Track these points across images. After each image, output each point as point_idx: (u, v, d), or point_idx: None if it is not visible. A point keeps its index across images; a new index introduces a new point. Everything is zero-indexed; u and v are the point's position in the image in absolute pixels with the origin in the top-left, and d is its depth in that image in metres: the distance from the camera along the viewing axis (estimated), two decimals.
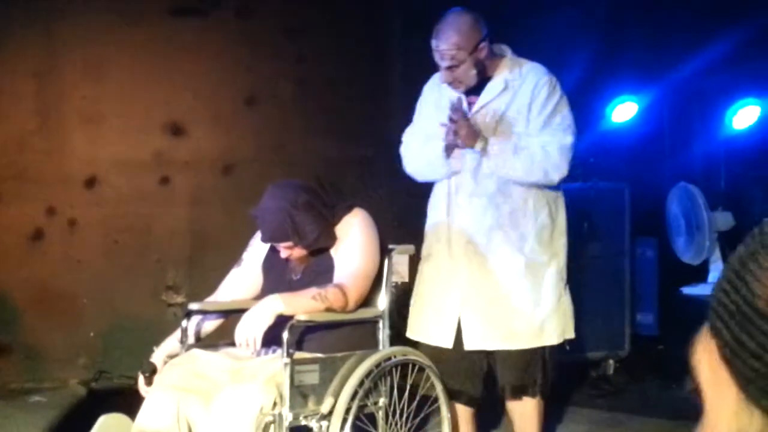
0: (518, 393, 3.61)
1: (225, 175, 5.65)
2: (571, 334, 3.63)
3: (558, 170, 3.46)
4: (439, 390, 3.36)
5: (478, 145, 3.42)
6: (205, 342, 3.29)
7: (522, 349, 3.53)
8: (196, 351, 3.14)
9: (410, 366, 3.26)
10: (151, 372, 3.10)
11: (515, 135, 3.46)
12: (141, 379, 3.12)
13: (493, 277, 3.50)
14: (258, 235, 3.35)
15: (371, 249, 3.22)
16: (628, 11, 6.00)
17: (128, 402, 3.14)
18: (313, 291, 3.02)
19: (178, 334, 3.23)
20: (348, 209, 3.27)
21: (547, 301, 3.54)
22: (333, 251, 3.21)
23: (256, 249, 3.37)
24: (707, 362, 0.73)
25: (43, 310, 5.36)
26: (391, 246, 3.40)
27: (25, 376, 5.25)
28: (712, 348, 0.72)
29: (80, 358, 5.39)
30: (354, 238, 3.20)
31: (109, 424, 2.91)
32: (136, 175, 5.52)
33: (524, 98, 3.49)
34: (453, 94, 3.54)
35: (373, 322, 3.29)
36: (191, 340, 3.23)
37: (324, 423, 2.95)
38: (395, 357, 3.22)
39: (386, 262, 3.33)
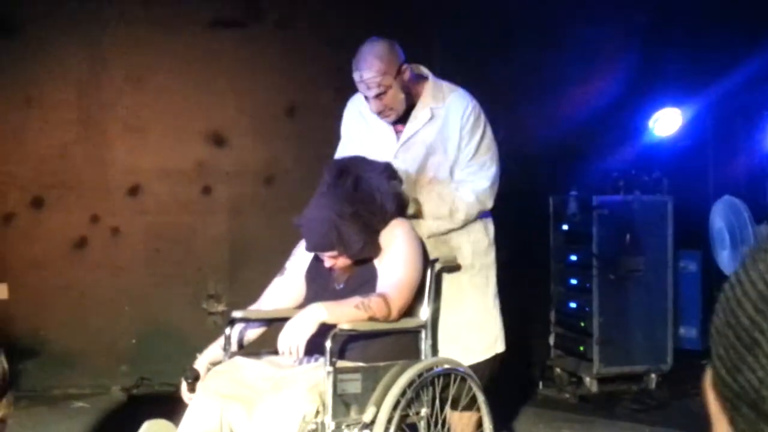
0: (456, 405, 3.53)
1: (266, 184, 5.68)
2: (501, 348, 3.69)
3: (485, 207, 3.59)
4: (481, 401, 3.34)
5: (411, 210, 3.46)
6: (248, 350, 3.29)
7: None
8: (238, 358, 3.15)
9: (452, 376, 3.25)
10: (193, 378, 3.10)
11: (445, 185, 3.54)
12: (184, 386, 3.11)
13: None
14: (301, 244, 3.36)
15: (414, 259, 3.22)
16: (671, 23, 5.95)
17: (168, 408, 3.14)
18: (356, 300, 3.02)
19: (221, 341, 3.23)
20: (391, 219, 3.27)
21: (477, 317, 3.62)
22: (376, 261, 3.21)
23: (300, 258, 3.38)
24: (709, 389, 0.71)
25: (86, 316, 5.42)
26: (434, 257, 3.40)
27: (67, 382, 5.30)
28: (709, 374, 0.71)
29: (122, 364, 5.44)
30: (397, 248, 3.19)
31: (153, 430, 2.92)
32: (178, 185, 5.57)
33: (451, 127, 3.54)
34: (381, 125, 3.59)
35: (415, 333, 3.28)
36: (234, 347, 3.23)
37: None
38: (437, 367, 3.20)
39: (429, 272, 3.32)
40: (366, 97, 3.51)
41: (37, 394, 5.16)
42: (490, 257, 3.69)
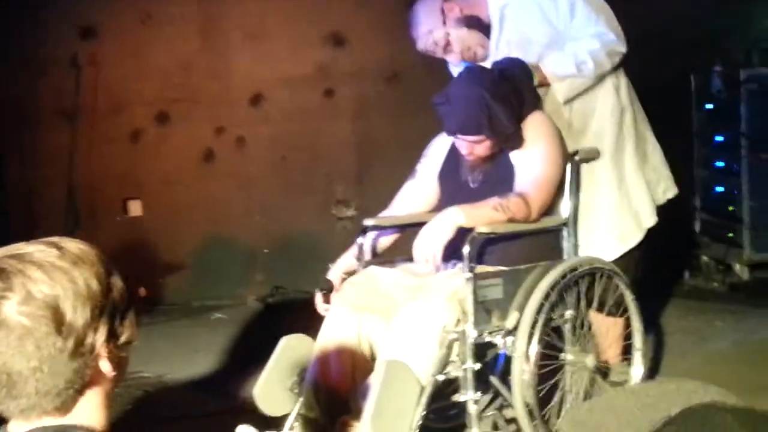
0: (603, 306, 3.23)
1: (389, 84, 5.51)
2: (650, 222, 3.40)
3: (616, 50, 3.25)
4: (629, 300, 3.15)
5: (534, 80, 3.15)
6: (382, 258, 3.17)
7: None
8: (374, 268, 3.02)
9: (597, 275, 3.05)
10: (328, 290, 3.02)
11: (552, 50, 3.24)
12: (318, 297, 3.02)
13: None
14: (433, 145, 3.19)
15: (554, 153, 2.99)
16: None
17: (304, 316, 3.05)
18: (494, 201, 2.83)
19: (354, 250, 3.11)
20: (530, 110, 3.04)
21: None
22: (513, 157, 3.00)
23: (431, 159, 3.20)
24: None
25: (219, 228, 5.45)
26: (573, 149, 3.16)
27: (205, 293, 5.38)
28: None
29: (256, 274, 5.48)
30: (535, 142, 2.96)
31: (291, 344, 2.85)
32: (300, 90, 5.47)
33: (526, 11, 3.28)
34: None
35: (556, 232, 3.09)
36: (367, 256, 3.12)
37: (510, 339, 2.78)
38: (581, 267, 3.01)
39: (569, 166, 3.10)
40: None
41: (176, 307, 5.26)
42: (626, 125, 3.37)
